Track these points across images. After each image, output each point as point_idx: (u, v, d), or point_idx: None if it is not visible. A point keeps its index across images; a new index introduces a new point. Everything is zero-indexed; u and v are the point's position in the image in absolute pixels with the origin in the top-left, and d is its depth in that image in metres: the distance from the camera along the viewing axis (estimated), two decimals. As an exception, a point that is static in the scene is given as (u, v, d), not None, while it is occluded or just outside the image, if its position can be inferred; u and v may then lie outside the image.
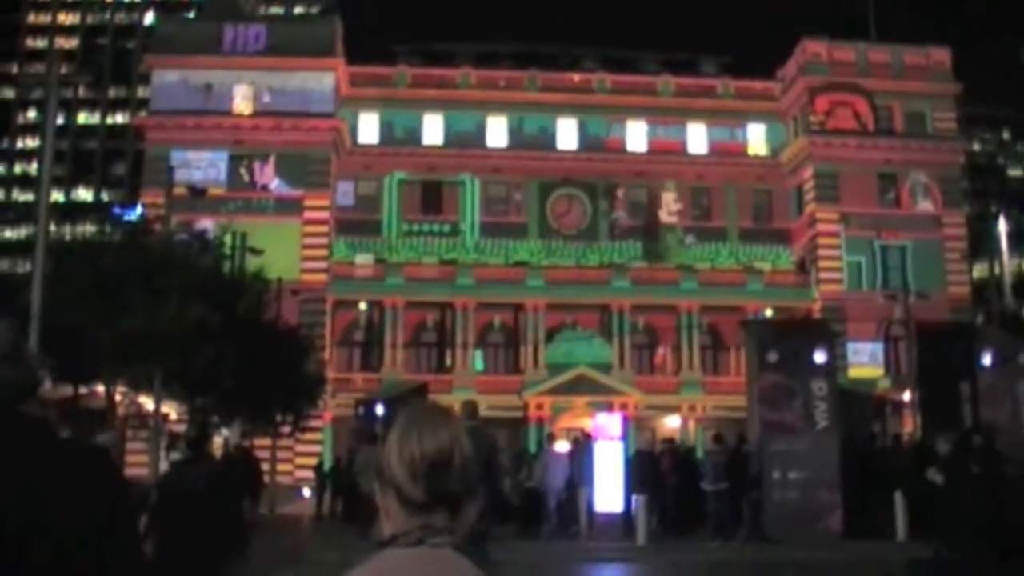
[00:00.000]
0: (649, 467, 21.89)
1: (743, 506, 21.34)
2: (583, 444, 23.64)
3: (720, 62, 63.34)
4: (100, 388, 31.84)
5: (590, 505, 22.35)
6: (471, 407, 12.91)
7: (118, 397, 31.54)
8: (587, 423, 34.40)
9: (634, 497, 21.56)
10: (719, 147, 59.93)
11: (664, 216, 57.95)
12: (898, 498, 20.22)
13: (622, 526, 22.19)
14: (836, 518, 20.41)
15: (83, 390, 32.51)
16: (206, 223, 47.56)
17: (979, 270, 78.51)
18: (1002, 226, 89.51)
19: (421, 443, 2.00)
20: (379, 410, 30.44)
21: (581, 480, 22.25)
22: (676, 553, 19.87)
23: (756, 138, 60.85)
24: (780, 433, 20.67)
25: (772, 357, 20.98)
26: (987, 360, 21.82)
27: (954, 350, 22.83)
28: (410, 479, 1.98)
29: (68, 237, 58.47)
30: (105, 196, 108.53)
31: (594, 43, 65.14)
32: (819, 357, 21.03)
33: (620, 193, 58.96)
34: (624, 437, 23.39)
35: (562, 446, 25.11)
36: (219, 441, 30.53)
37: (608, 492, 22.16)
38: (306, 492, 41.67)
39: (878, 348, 54.59)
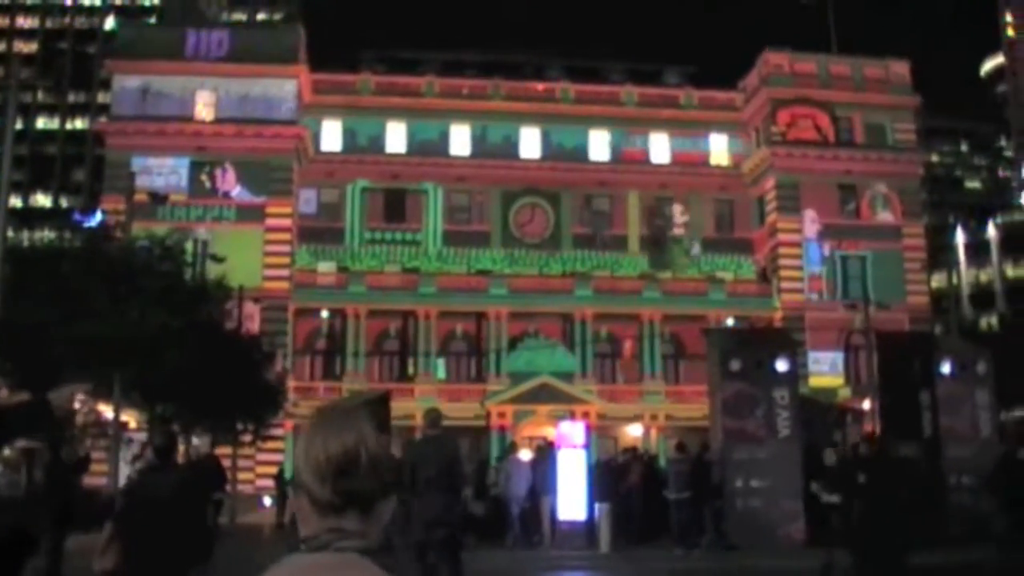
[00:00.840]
0: (612, 476, 21.91)
1: (705, 514, 21.41)
2: (546, 452, 23.65)
3: (684, 72, 63.67)
4: (58, 395, 31.54)
5: (553, 513, 22.34)
6: (433, 415, 12.88)
7: (77, 405, 31.24)
8: (550, 431, 34.47)
9: (597, 505, 21.58)
10: (682, 157, 60.21)
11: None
12: (858, 507, 20.30)
13: (585, 534, 22.19)
14: (799, 526, 20.52)
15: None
16: (166, 230, 47.32)
17: (938, 280, 79.46)
18: (960, 237, 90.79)
19: (326, 445, 1.98)
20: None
21: (544, 488, 22.25)
22: (639, 561, 19.89)
23: (719, 148, 61.21)
24: (743, 441, 20.77)
25: (735, 366, 21.09)
26: (946, 369, 22.02)
27: (914, 359, 23.01)
28: (318, 481, 1.97)
29: (26, 243, 57.57)
30: (64, 202, 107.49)
31: (559, 52, 65.40)
32: (781, 366, 21.16)
33: (590, 203, 59.18)
34: (587, 445, 23.39)
35: (525, 455, 25.10)
36: (182, 449, 30.28)
37: (571, 500, 22.16)
38: (267, 501, 41.43)
39: (839, 357, 55.01)
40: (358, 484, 1.96)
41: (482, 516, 22.18)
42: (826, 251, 56.47)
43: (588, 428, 25.70)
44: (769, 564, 18.76)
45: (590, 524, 22.00)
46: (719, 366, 21.57)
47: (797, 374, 22.19)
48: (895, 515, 12.68)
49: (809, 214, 56.53)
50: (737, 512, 20.62)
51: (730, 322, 53.56)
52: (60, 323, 25.44)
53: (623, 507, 21.92)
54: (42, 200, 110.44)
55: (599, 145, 60.14)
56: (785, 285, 56.10)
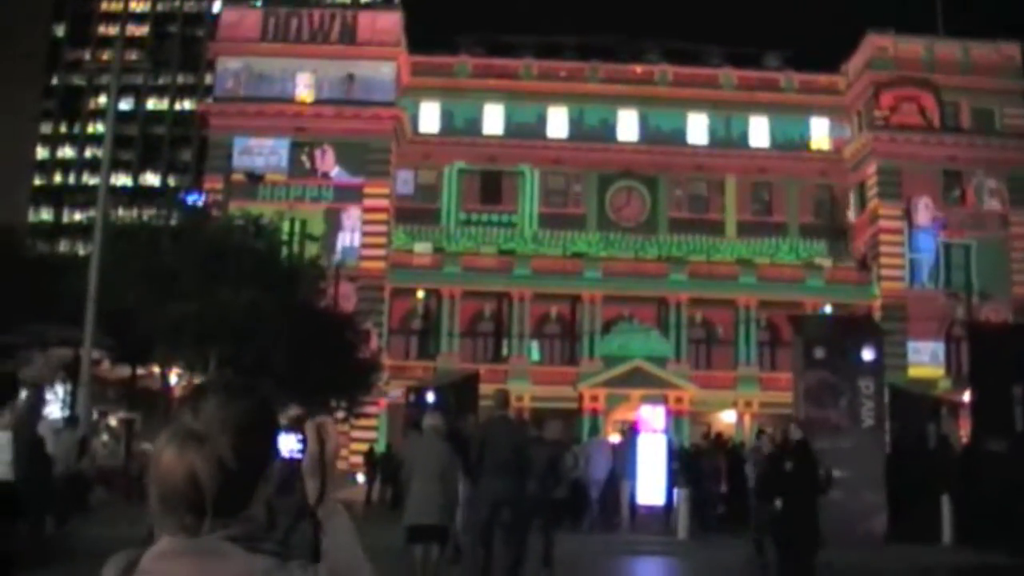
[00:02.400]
0: (691, 462, 21.82)
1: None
2: (629, 436, 23.63)
3: (784, 56, 62.58)
4: (156, 370, 32.45)
5: (632, 498, 22.32)
6: (502, 396, 12.99)
7: (173, 379, 32.07)
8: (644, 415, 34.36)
9: (675, 491, 21.51)
10: (781, 141, 59.34)
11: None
12: (945, 502, 19.93)
13: (664, 520, 22.14)
14: (880, 520, 20.17)
15: (140, 371, 33.18)
16: (267, 209, 48.22)
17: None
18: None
19: (158, 467, 1.93)
20: (430, 398, 30.58)
21: (624, 472, 22.24)
22: (715, 549, 19.78)
23: (819, 133, 60.16)
24: (825, 431, 20.44)
25: (819, 353, 20.78)
26: (1041, 362, 21.39)
27: (1008, 352, 22.39)
28: (157, 501, 1.93)
29: (128, 221, 59.16)
30: (172, 181, 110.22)
31: (657, 36, 64.75)
32: (867, 355, 20.77)
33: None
34: (667, 430, 23.30)
35: (612, 438, 25.13)
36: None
37: (650, 485, 22.10)
38: (359, 478, 42.02)
39: (939, 348, 53.75)
40: (190, 510, 1.90)
41: (561, 499, 22.26)
42: (929, 239, 55.14)
43: (669, 413, 25.63)
44: (849, 558, 18.46)
45: (668, 509, 21.94)
46: (803, 353, 21.27)
47: (883, 363, 21.71)
48: (813, 506, 12.50)
49: (912, 201, 55.22)
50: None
51: (828, 309, 52.62)
52: (156, 300, 26.14)
53: (703, 494, 21.79)
54: (151, 179, 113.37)
55: (697, 129, 59.56)
56: (885, 273, 54.97)
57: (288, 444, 12.86)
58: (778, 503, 12.76)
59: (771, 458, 13.66)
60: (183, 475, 1.89)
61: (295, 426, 12.98)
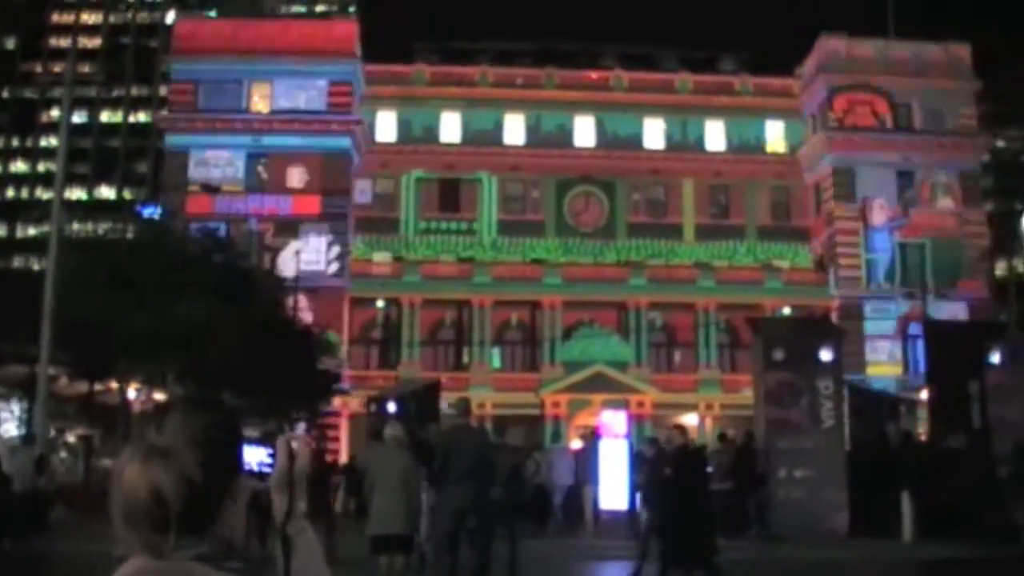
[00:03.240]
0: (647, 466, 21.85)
1: (750, 505, 21.31)
2: (591, 442, 23.69)
3: (739, 59, 63.11)
4: (114, 385, 32.15)
5: (595, 502, 22.37)
6: (463, 404, 12.98)
7: (132, 394, 31.80)
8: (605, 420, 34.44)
9: (638, 495, 21.56)
10: (737, 144, 59.79)
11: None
12: (905, 498, 20.12)
13: (627, 524, 22.19)
14: (842, 517, 20.37)
15: (98, 387, 32.85)
16: (223, 221, 47.95)
17: (1002, 268, 78.05)
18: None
19: (122, 483, 1.90)
20: (391, 408, 30.47)
21: (587, 478, 22.29)
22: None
23: (775, 135, 60.67)
24: (786, 431, 20.63)
25: (778, 355, 20.95)
26: (996, 359, 21.70)
27: (963, 349, 22.69)
28: (121, 519, 1.90)
29: (84, 235, 58.74)
30: (127, 194, 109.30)
31: (613, 40, 65.06)
32: (825, 355, 20.97)
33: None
34: (628, 435, 23.38)
35: (574, 444, 25.17)
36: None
37: (613, 490, 22.17)
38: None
39: (897, 347, 54.30)
40: (153, 528, 1.87)
41: (525, 505, 22.27)
42: (884, 239, 55.71)
43: (630, 417, 25.71)
44: (812, 555, 18.65)
45: (632, 514, 21.99)
46: (763, 355, 21.45)
47: (842, 363, 21.93)
48: (697, 508, 12.52)
49: (867, 201, 55.79)
50: (780, 502, 20.49)
51: (786, 311, 52.98)
52: (111, 315, 25.91)
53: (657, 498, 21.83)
54: (106, 193, 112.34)
55: (654, 133, 59.88)
56: (843, 273, 55.45)
57: (256, 457, 12.81)
58: (656, 510, 12.71)
59: (652, 463, 13.61)
60: (147, 491, 1.87)
61: (265, 440, 12.95)
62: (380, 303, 54.92)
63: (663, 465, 13.21)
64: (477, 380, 51.94)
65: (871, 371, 50.59)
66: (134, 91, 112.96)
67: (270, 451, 12.42)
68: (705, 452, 22.12)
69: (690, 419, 52.80)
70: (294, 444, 12.21)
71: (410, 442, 12.27)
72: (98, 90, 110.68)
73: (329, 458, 24.70)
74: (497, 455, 14.57)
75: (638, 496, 18.22)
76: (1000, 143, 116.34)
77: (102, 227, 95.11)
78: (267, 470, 12.07)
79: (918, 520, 19.83)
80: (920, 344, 47.49)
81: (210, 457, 1.93)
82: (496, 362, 55.38)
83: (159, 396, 31.68)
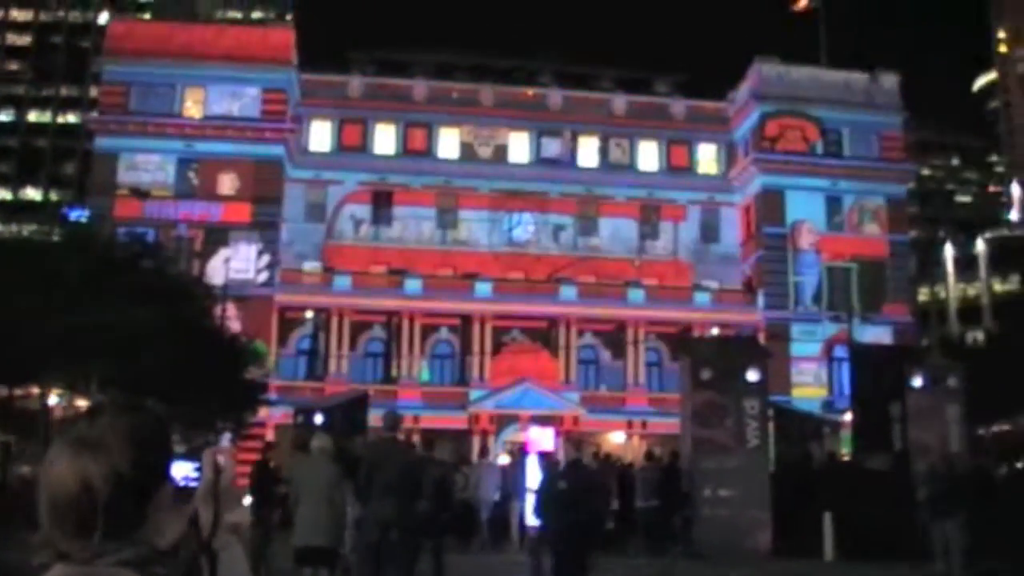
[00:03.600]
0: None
1: (675, 523, 21.45)
2: (518, 458, 23.68)
3: (674, 81, 63.74)
4: (35, 390, 31.51)
5: (522, 518, 22.32)
6: (391, 418, 12.91)
7: (53, 400, 31.18)
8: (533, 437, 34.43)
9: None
10: (670, 166, 60.34)
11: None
12: (826, 518, 20.39)
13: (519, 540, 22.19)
14: (765, 536, 20.57)
15: (17, 391, 32.16)
16: (152, 226, 47.36)
17: (926, 294, 79.62)
18: (949, 251, 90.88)
19: (49, 476, 1.87)
20: (318, 419, 30.21)
21: (514, 493, 22.26)
22: (605, 570, 19.86)
23: (707, 157, 61.35)
24: (711, 451, 20.80)
25: (705, 375, 21.14)
26: (917, 382, 22.09)
27: (886, 372, 23.09)
28: (48, 514, 1.87)
29: (7, 236, 57.61)
30: (54, 196, 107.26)
31: (550, 58, 65.16)
32: (751, 376, 21.19)
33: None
34: (556, 451, 23.37)
35: (501, 459, 25.14)
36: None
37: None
38: (247, 499, 41.27)
39: (822, 369, 55.08)
40: (82, 522, 1.84)
41: (451, 520, 22.19)
42: (811, 262, 56.54)
43: (558, 434, 25.76)
44: (735, 573, 18.80)
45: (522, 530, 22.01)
46: (690, 374, 21.62)
47: (767, 384, 22.17)
48: (589, 521, 12.72)
49: (795, 225, 56.61)
50: (704, 521, 20.64)
51: (715, 331, 53.57)
52: (37, 317, 25.39)
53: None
54: (32, 194, 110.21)
55: (588, 152, 60.24)
56: (770, 294, 56.12)
57: (183, 471, 12.62)
58: (549, 521, 12.81)
59: (550, 478, 13.69)
60: (76, 483, 1.84)
61: (192, 454, 12.79)
62: (309, 314, 54.47)
63: (556, 480, 13.25)
64: (405, 393, 51.71)
65: (797, 392, 51.19)
66: (64, 91, 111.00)
67: (196, 465, 12.26)
68: (632, 469, 22.28)
69: (617, 437, 53.13)
70: (220, 458, 12.05)
71: (336, 454, 12.19)
72: (26, 88, 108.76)
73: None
74: (423, 469, 14.54)
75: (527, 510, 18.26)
76: (925, 171, 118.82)
77: (27, 229, 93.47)
78: (194, 484, 11.94)
79: (839, 540, 20.08)
80: (845, 366, 48.45)
81: (140, 455, 1.90)
82: (425, 375, 55.15)
83: (82, 402, 31.13)
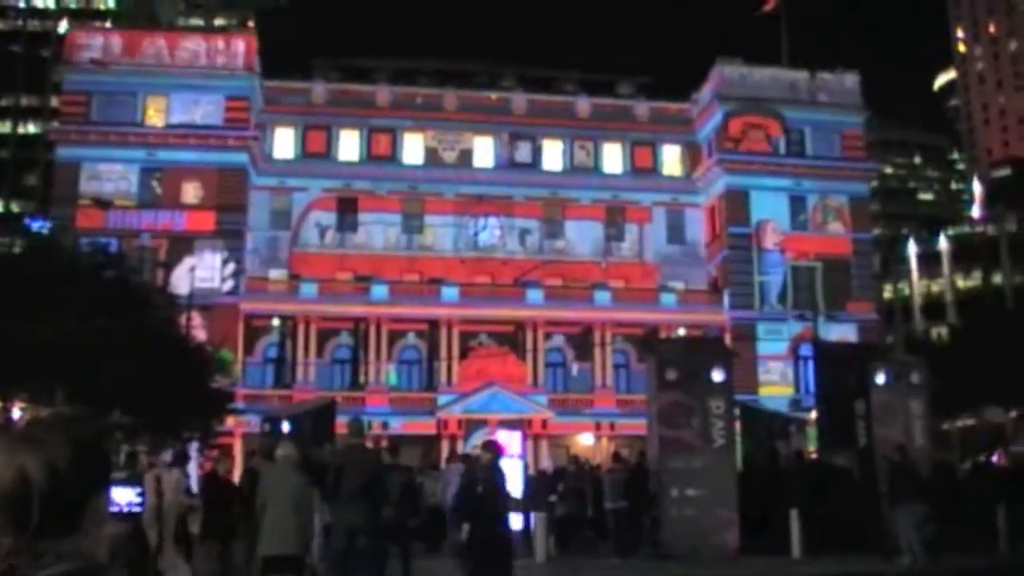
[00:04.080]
0: (546, 486, 21.97)
1: (644, 523, 21.52)
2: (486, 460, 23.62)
3: (637, 84, 63.95)
4: (-2, 402, 31.20)
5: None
6: (357, 425, 12.93)
7: (16, 413, 30.88)
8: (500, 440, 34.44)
9: (532, 515, 21.62)
10: (634, 168, 60.55)
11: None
12: (794, 515, 20.51)
13: (523, 544, 22.20)
14: (732, 535, 20.64)
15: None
16: (115, 236, 46.99)
17: (890, 291, 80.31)
18: (912, 248, 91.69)
19: None
20: (285, 427, 30.09)
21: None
22: (575, 571, 19.95)
23: (671, 159, 61.63)
24: (678, 451, 20.88)
25: (671, 375, 21.20)
26: (880, 379, 22.26)
27: (850, 369, 23.28)
28: None
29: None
30: (15, 207, 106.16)
31: (515, 61, 65.36)
32: (717, 376, 21.27)
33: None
34: (523, 455, 23.44)
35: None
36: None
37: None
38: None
39: (788, 367, 55.41)
40: (24, 519, 1.85)
41: (418, 526, 22.15)
42: (776, 261, 56.88)
43: (526, 437, 25.78)
44: (703, 573, 18.90)
45: (526, 533, 22.03)
46: (656, 375, 21.69)
47: (733, 384, 22.28)
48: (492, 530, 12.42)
49: (760, 224, 56.95)
50: (672, 521, 20.71)
51: (681, 332, 53.83)
52: (-1, 329, 25.16)
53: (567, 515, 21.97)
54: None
55: (552, 155, 60.35)
56: (735, 294, 56.42)
57: (125, 497, 12.42)
58: (466, 527, 12.62)
59: (467, 481, 13.51)
60: (13, 476, 1.87)
61: (134, 479, 12.61)
62: (275, 321, 54.28)
63: (474, 484, 12.99)
64: (373, 399, 51.69)
65: (764, 391, 51.51)
66: (24, 101, 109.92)
67: (139, 490, 12.01)
68: (599, 471, 22.31)
69: (586, 439, 53.24)
70: (164, 476, 11.98)
71: (302, 462, 12.16)
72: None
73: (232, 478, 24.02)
74: (390, 475, 14.55)
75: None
76: (888, 170, 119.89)
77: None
78: (137, 509, 11.72)
79: (806, 537, 20.21)
80: (811, 365, 48.78)
81: (76, 455, 1.93)
82: (393, 380, 55.05)
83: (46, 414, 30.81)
